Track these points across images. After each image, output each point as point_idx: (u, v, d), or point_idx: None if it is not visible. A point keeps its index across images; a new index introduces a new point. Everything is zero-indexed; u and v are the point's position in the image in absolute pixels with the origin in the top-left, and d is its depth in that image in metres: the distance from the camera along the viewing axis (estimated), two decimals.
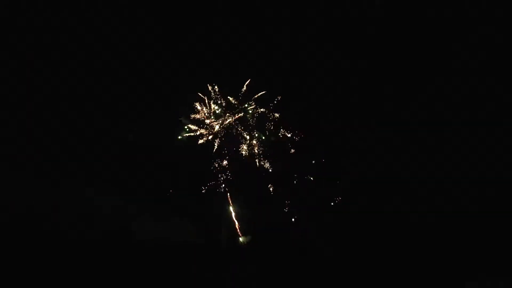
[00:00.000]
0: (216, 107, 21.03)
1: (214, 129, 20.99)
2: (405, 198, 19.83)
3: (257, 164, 20.72)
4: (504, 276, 17.57)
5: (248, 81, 20.73)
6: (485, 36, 20.18)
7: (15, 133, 20.02)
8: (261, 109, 20.99)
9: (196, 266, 19.07)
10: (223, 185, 20.60)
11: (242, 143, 20.85)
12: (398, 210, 19.70)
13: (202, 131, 21.01)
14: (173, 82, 21.34)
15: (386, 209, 19.84)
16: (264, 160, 20.74)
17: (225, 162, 20.75)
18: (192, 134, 20.96)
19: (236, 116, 20.84)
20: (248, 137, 20.86)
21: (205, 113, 21.02)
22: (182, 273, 18.91)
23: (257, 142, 20.84)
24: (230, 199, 20.54)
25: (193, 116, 21.03)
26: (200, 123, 21.12)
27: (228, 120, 20.90)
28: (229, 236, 20.48)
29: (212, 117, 21.03)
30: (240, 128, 20.90)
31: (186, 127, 21.04)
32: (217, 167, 20.75)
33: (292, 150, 20.90)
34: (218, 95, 20.94)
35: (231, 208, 20.51)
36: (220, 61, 21.32)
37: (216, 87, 20.90)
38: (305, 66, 21.44)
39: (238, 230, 20.39)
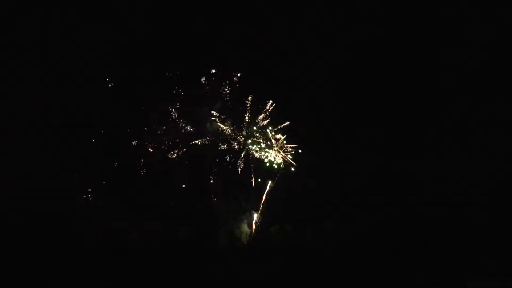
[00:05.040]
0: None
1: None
2: (406, 198, 19.77)
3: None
4: (504, 276, 17.63)
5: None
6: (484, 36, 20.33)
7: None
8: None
9: (194, 267, 18.98)
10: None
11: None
12: (399, 210, 19.66)
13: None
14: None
15: (387, 210, 19.80)
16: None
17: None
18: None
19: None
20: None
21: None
22: (180, 274, 18.78)
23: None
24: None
25: None
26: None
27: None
28: (227, 236, 20.48)
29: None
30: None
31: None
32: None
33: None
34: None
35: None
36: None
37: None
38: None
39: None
